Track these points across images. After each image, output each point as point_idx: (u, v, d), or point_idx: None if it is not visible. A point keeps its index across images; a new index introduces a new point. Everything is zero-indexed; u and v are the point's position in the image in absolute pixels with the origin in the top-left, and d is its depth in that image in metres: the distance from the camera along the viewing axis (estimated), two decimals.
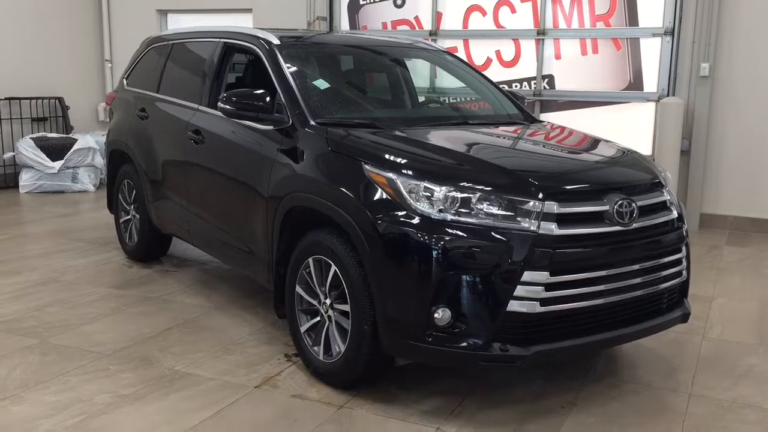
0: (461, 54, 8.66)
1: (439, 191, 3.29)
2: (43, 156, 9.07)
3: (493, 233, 3.22)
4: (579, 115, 8.26)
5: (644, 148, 7.92)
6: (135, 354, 4.11)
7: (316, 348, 3.79)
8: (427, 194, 3.29)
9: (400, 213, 3.31)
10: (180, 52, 5.52)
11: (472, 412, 3.52)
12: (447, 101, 5.51)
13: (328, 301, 3.69)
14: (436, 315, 3.23)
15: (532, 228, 3.23)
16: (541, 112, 8.39)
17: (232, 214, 4.52)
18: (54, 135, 9.54)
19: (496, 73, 8.52)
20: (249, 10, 9.70)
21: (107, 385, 3.72)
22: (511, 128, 4.43)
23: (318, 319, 3.79)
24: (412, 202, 3.30)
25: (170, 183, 5.27)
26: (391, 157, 3.51)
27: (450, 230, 3.24)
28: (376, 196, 3.40)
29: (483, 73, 5.24)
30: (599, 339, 3.45)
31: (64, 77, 10.12)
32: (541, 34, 8.24)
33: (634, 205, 3.46)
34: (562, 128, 4.66)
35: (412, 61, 5.24)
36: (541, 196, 3.28)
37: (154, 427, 3.32)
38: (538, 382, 3.84)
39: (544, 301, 3.23)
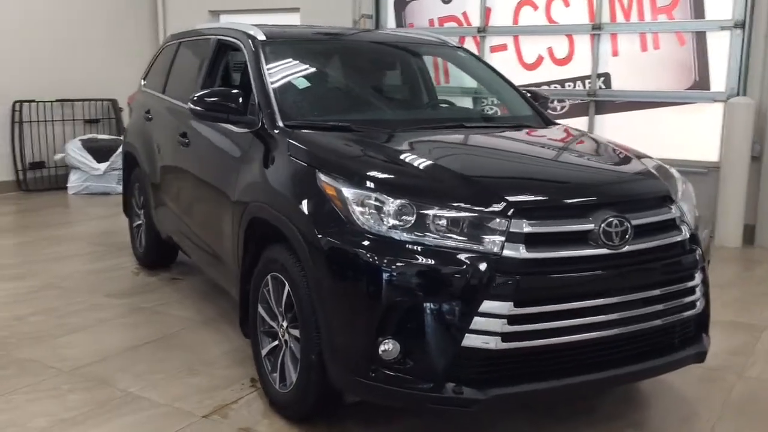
0: (511, 52, 8.12)
1: (391, 205, 2.84)
2: (90, 158, 9.09)
3: (448, 255, 2.75)
4: (637, 117, 7.55)
5: (710, 153, 7.17)
6: (95, 372, 3.84)
7: (273, 375, 3.41)
8: (378, 208, 2.85)
9: (346, 229, 2.88)
10: (184, 51, 5.27)
11: None
12: (450, 102, 4.92)
13: (284, 324, 3.30)
14: (381, 348, 2.78)
15: (494, 250, 2.74)
16: (596, 113, 7.73)
17: (207, 221, 4.23)
18: (103, 137, 9.56)
19: (547, 72, 7.93)
20: (297, 9, 9.44)
21: (51, 407, 3.45)
22: (513, 133, 3.92)
23: (276, 343, 3.41)
24: (359, 216, 2.87)
25: (166, 188, 5.02)
26: (346, 165, 3.09)
27: (399, 250, 2.78)
28: (325, 209, 2.99)
29: (497, 70, 4.69)
30: (581, 382, 2.90)
31: (118, 79, 10.12)
32: (596, 28, 7.58)
33: (627, 224, 2.90)
34: (575, 134, 4.09)
35: (419, 57, 4.74)
36: (508, 212, 2.78)
37: None
38: (520, 424, 3.33)
39: (506, 337, 2.72)
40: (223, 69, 4.58)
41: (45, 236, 6.96)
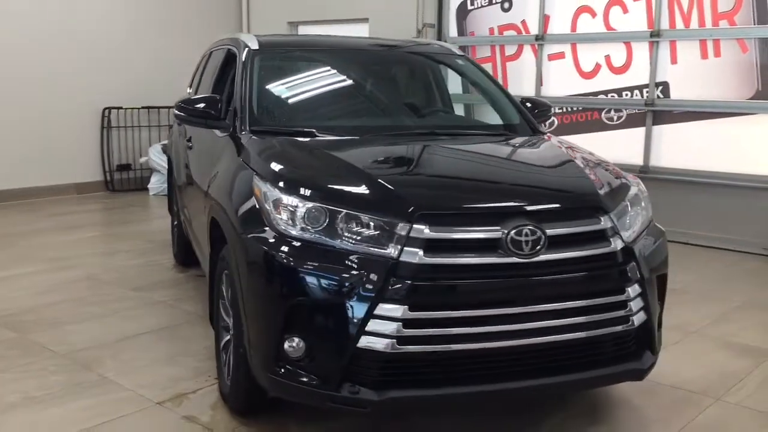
0: (568, 60, 7.96)
1: (302, 208, 2.94)
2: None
3: (348, 258, 2.82)
4: (696, 128, 7.20)
5: None
6: (84, 357, 4.15)
7: (224, 368, 3.58)
8: (291, 211, 2.96)
9: (262, 229, 3.01)
10: (210, 61, 5.56)
11: None
12: (441, 110, 4.86)
13: (230, 320, 3.46)
14: (287, 345, 2.89)
15: (392, 254, 2.78)
16: (654, 124, 7.43)
17: (195, 219, 4.48)
18: None
19: (604, 81, 7.72)
20: (366, 20, 9.66)
21: (29, 386, 3.77)
22: (477, 141, 3.91)
23: (228, 337, 3.57)
24: (274, 217, 2.99)
25: (182, 189, 5.33)
26: (272, 169, 3.22)
27: (305, 252, 2.88)
28: (252, 210, 3.13)
29: (492, 77, 4.65)
30: (486, 391, 2.87)
31: None
32: (655, 35, 7.30)
33: (540, 233, 2.85)
34: (544, 143, 3.96)
35: (410, 65, 4.78)
36: (411, 218, 2.81)
37: None
38: None
39: (402, 340, 2.76)
40: (230, 76, 4.81)
41: (108, 233, 7.50)
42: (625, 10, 7.52)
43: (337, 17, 9.96)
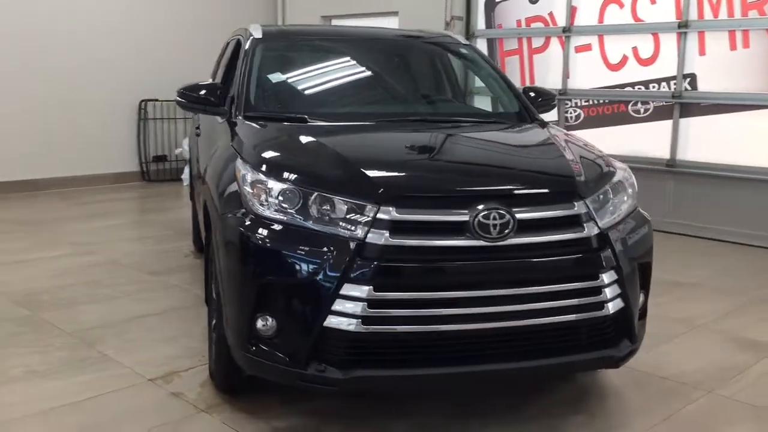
0: (595, 52, 7.86)
1: (276, 189, 3.00)
2: None
3: (318, 238, 2.88)
4: (724, 120, 7.03)
5: None
6: (90, 336, 4.29)
7: (212, 347, 3.67)
8: (267, 192, 3.03)
9: (239, 210, 3.09)
10: (226, 51, 5.68)
11: None
12: (443, 99, 4.79)
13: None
14: (259, 324, 2.96)
15: (359, 235, 2.83)
16: (681, 116, 7.28)
17: (199, 203, 4.59)
18: None
19: (631, 73, 7.60)
20: (396, 13, 9.69)
21: (33, 360, 3.93)
22: (467, 128, 3.91)
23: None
24: (251, 199, 3.06)
25: (194, 176, 5.45)
26: (252, 152, 3.29)
27: (277, 232, 2.95)
28: (232, 192, 3.21)
29: (496, 67, 4.64)
30: (452, 372, 2.89)
31: None
32: (683, 26, 7.15)
33: (508, 216, 2.86)
34: (534, 131, 3.91)
35: (411, 53, 4.78)
36: (378, 200, 2.85)
37: (21, 402, 3.44)
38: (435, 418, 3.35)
39: (367, 320, 2.80)
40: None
41: (135, 220, 7.72)
42: (653, 1, 7.38)
43: (369, 10, 10.02)
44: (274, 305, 2.93)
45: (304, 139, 3.41)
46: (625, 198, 3.32)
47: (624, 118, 7.72)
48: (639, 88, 7.56)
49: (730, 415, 3.45)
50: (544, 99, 4.51)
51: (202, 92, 4.06)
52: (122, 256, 6.11)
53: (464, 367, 2.90)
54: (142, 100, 9.99)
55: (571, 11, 7.96)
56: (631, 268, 3.15)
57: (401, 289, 2.81)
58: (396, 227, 2.82)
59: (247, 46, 4.32)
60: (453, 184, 3.05)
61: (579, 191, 3.06)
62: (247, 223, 3.00)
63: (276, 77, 4.21)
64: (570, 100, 8.13)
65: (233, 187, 3.19)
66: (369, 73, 4.47)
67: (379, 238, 2.80)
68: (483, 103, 5.49)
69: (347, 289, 2.79)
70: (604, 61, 7.80)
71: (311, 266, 2.84)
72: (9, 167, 8.91)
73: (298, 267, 2.88)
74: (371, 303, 2.79)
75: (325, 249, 2.84)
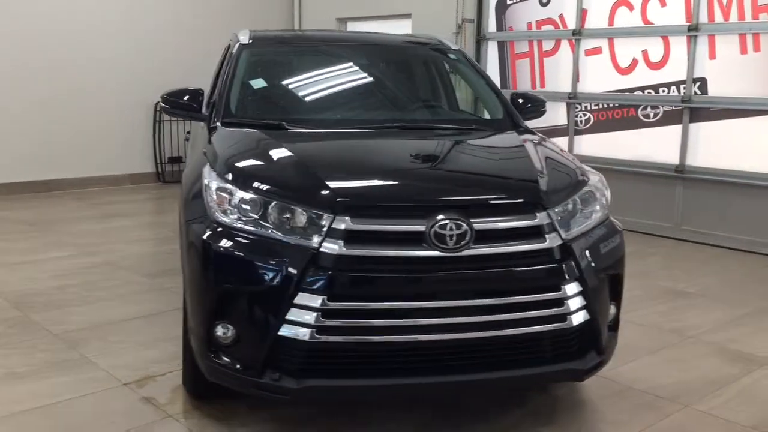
0: (605, 55, 7.74)
1: (238, 197, 3.00)
2: None
3: (275, 247, 2.87)
4: (734, 126, 6.87)
5: None
6: (75, 338, 4.34)
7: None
8: (229, 200, 3.03)
9: (202, 217, 3.10)
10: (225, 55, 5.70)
11: None
12: (416, 104, 4.69)
13: None
14: (218, 331, 2.96)
15: (313, 244, 2.81)
16: (691, 121, 7.14)
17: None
18: None
19: (641, 77, 7.48)
20: (409, 16, 9.67)
21: (15, 362, 3.99)
22: (445, 135, 3.87)
23: None
24: (214, 206, 3.06)
25: None
26: (220, 158, 3.29)
27: (236, 240, 2.95)
28: (197, 199, 3.21)
29: (484, 73, 4.57)
30: (408, 383, 2.87)
31: None
32: (693, 29, 7.01)
33: (466, 227, 2.82)
34: (510, 138, 3.85)
35: (398, 59, 4.73)
36: (334, 209, 2.83)
37: None
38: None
39: (321, 330, 2.78)
40: None
41: (142, 222, 7.79)
42: (663, 4, 7.25)
43: (382, 13, 10.01)
44: (232, 313, 2.93)
45: (272, 147, 3.39)
46: (597, 208, 3.26)
47: (634, 123, 7.60)
48: (649, 92, 7.44)
49: (701, 430, 3.36)
50: (533, 105, 4.46)
51: (186, 98, 4.09)
52: (121, 257, 6.18)
53: (420, 378, 2.87)
54: (158, 102, 10.08)
55: (582, 14, 7.86)
56: (598, 279, 3.09)
57: (355, 299, 2.79)
58: (351, 237, 2.80)
59: (233, 52, 4.34)
60: (410, 193, 3.02)
61: (542, 201, 3.01)
62: (209, 230, 3.01)
63: (257, 83, 4.22)
64: (580, 104, 8.03)
65: (199, 194, 3.20)
66: (351, 79, 4.44)
67: (334, 247, 2.79)
68: (471, 109, 5.42)
69: (301, 299, 2.78)
70: (614, 65, 7.69)
71: (267, 275, 2.84)
72: (26, 168, 9.08)
73: (255, 275, 2.88)
74: (325, 313, 2.77)
75: (282, 258, 2.83)
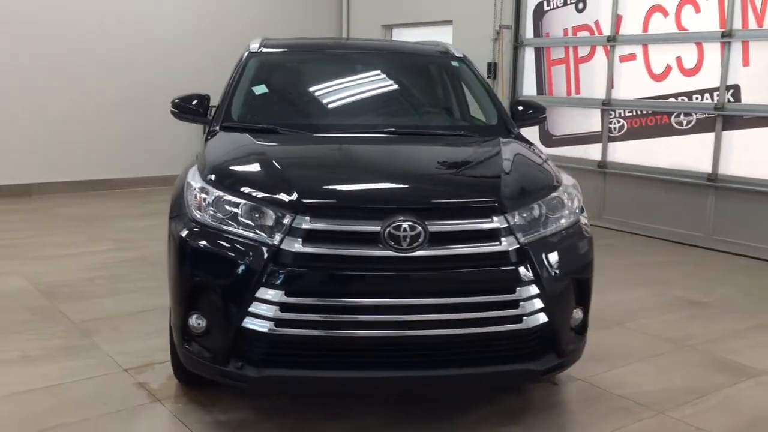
0: (639, 62, 7.67)
1: (212, 196, 3.21)
2: None
3: (241, 244, 3.06)
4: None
5: None
6: (90, 326, 4.65)
7: None
8: (203, 198, 3.24)
9: (182, 215, 3.32)
10: None
11: (260, 430, 3.36)
12: (416, 110, 4.75)
13: None
14: (191, 321, 3.18)
15: (275, 242, 2.99)
16: (724, 129, 7.01)
17: None
18: None
19: (675, 84, 7.39)
20: (450, 22, 9.77)
21: (30, 345, 4.31)
22: (429, 140, 3.99)
23: None
24: (192, 204, 3.28)
25: None
26: (205, 160, 3.51)
27: (208, 237, 3.16)
28: (180, 197, 3.44)
29: (483, 80, 4.65)
30: (361, 377, 3.01)
31: None
32: (726, 35, 6.90)
33: (420, 228, 2.95)
34: (491, 145, 3.91)
35: (400, 66, 4.84)
36: (296, 209, 3.00)
37: (2, 384, 3.79)
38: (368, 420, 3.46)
39: (279, 323, 2.96)
40: None
41: None
42: (698, 9, 7.15)
43: (425, 20, 10.15)
44: (203, 305, 3.13)
45: (254, 150, 3.59)
46: (565, 213, 3.33)
47: (667, 131, 7.51)
48: (682, 100, 7.34)
49: None
50: (534, 112, 4.53)
51: (194, 102, 4.33)
52: (153, 253, 6.48)
53: (375, 372, 3.01)
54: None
55: (616, 20, 7.82)
56: (559, 283, 3.16)
57: (311, 295, 2.95)
58: (310, 236, 2.96)
59: (242, 59, 4.56)
60: (369, 196, 3.17)
61: (501, 206, 3.09)
62: (185, 227, 3.22)
63: (259, 89, 4.41)
64: (614, 111, 7.98)
65: (182, 193, 3.42)
66: (350, 85, 4.60)
67: (293, 245, 2.96)
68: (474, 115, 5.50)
69: (262, 293, 2.96)
70: (648, 71, 7.62)
71: (233, 270, 3.03)
72: (88, 167, 9.60)
73: (222, 270, 3.07)
74: (283, 307, 2.94)
75: (247, 255, 3.02)
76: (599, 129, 8.11)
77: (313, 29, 11.25)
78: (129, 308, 5.00)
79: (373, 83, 4.65)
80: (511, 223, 3.08)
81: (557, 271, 3.15)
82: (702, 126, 7.20)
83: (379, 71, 4.71)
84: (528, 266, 3.06)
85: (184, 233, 3.20)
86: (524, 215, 3.15)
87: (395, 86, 4.66)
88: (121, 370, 4.00)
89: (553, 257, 3.16)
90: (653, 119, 7.64)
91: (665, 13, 7.43)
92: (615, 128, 7.98)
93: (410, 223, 2.94)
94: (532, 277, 3.06)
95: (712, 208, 7.15)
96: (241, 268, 3.00)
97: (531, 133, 8.74)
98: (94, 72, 9.54)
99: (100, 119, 9.62)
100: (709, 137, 7.13)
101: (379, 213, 2.99)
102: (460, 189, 3.31)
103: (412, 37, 10.33)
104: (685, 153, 7.34)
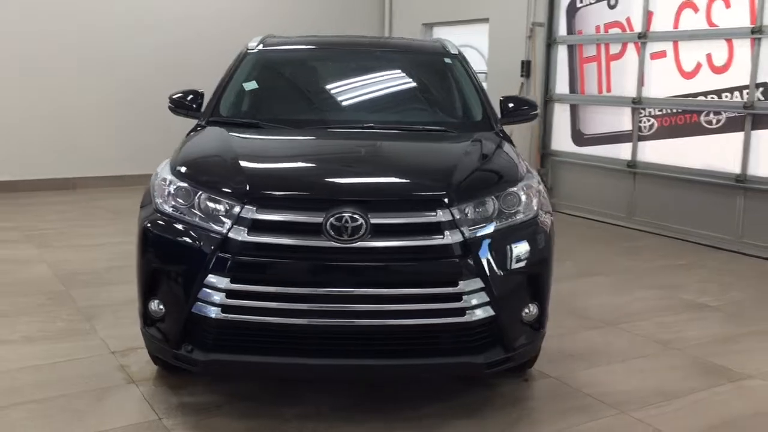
0: (669, 59, 7.50)
1: (173, 186, 3.36)
2: None
3: (194, 232, 3.20)
4: None
5: None
6: (94, 311, 4.88)
7: None
8: (165, 189, 3.40)
9: (148, 206, 3.48)
10: None
11: (221, 413, 3.48)
12: (401, 106, 4.75)
13: None
14: (151, 306, 3.33)
15: (223, 231, 3.11)
16: (753, 128, 6.79)
17: None
18: None
19: (704, 81, 7.20)
20: (486, 20, 9.75)
21: (34, 327, 4.57)
22: (398, 136, 4.03)
23: None
24: (156, 194, 3.44)
25: None
26: (177, 153, 3.66)
27: (166, 226, 3.32)
28: (149, 188, 3.60)
29: (474, 76, 4.66)
30: (303, 363, 3.10)
31: None
32: (756, 32, 6.67)
33: (361, 220, 3.02)
34: (465, 141, 3.86)
35: (392, 62, 4.88)
36: (244, 199, 3.12)
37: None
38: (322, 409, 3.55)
39: (225, 309, 3.09)
40: None
41: None
42: (728, 5, 6.94)
43: (463, 18, 10.16)
44: (161, 291, 3.28)
45: (223, 143, 3.72)
46: (520, 209, 3.33)
47: (696, 129, 7.31)
48: (712, 98, 7.14)
49: None
50: (524, 108, 4.52)
51: (189, 98, 4.50)
52: None
53: (318, 359, 3.09)
54: None
55: (647, 16, 7.66)
56: (508, 278, 3.18)
57: (255, 283, 3.06)
58: (255, 225, 3.07)
59: (238, 56, 4.71)
60: (313, 188, 3.25)
61: (446, 199, 3.13)
62: (148, 215, 3.39)
63: (249, 85, 4.54)
64: (644, 110, 7.81)
65: (154, 185, 3.58)
66: (340, 82, 4.69)
67: (239, 234, 3.07)
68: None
69: (211, 280, 3.09)
70: (678, 69, 7.43)
71: (185, 257, 3.18)
72: (127, 162, 9.97)
73: (176, 257, 3.23)
74: (229, 293, 3.06)
75: (199, 243, 3.15)
76: (630, 128, 7.96)
77: (356, 28, 11.37)
78: (134, 296, 5.17)
79: (363, 80, 4.72)
80: (457, 217, 3.11)
81: (507, 266, 3.17)
82: (731, 125, 6.99)
83: (371, 68, 4.79)
84: (472, 260, 3.09)
85: (147, 222, 3.35)
86: (473, 209, 3.17)
87: (385, 83, 4.72)
88: (108, 353, 4.20)
89: (503, 252, 3.17)
90: (683, 118, 7.45)
91: (695, 9, 7.24)
92: (645, 127, 7.82)
93: (351, 215, 3.01)
94: (478, 271, 3.08)
95: (740, 210, 6.93)
96: (193, 255, 3.14)
97: (563, 132, 8.67)
98: (142, 70, 9.88)
99: (144, 116, 9.96)
100: (738, 137, 6.91)
101: (322, 204, 3.07)
102: (407, 183, 3.36)
103: (451, 35, 10.34)
104: (714, 153, 7.13)
